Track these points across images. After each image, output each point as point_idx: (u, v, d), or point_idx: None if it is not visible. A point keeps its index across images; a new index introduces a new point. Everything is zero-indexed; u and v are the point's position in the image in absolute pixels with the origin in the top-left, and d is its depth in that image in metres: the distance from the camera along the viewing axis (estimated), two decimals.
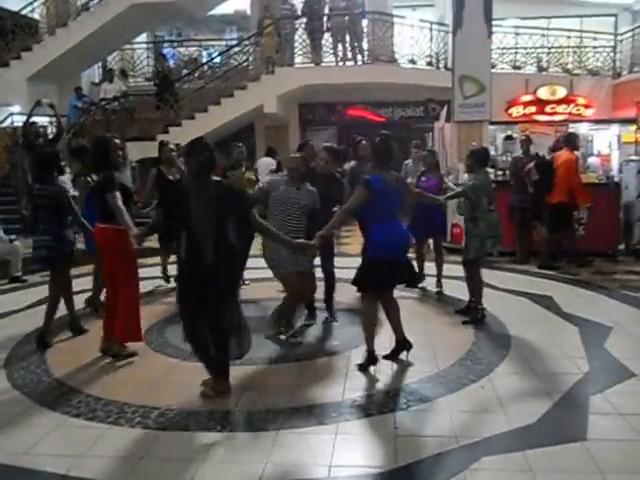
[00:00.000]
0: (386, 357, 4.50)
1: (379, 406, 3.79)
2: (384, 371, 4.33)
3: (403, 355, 4.54)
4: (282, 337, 5.09)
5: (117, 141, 4.94)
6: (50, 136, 10.35)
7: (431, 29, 14.17)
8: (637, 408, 3.67)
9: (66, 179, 10.67)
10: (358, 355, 4.52)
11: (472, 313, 5.50)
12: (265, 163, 11.06)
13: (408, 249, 4.61)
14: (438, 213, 6.70)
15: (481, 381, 4.12)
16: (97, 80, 16.12)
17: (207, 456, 3.19)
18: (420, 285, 6.65)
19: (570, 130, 14.34)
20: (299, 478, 3.01)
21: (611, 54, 15.41)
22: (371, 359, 4.38)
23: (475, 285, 5.57)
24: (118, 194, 4.52)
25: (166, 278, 7.09)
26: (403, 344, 4.54)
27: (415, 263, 6.45)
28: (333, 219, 4.55)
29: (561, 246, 8.25)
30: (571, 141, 8.32)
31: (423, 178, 6.75)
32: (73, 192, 10.01)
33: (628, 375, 4.18)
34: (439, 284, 6.67)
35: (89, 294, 6.13)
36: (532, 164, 8.26)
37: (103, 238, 4.70)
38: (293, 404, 3.80)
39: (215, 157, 3.81)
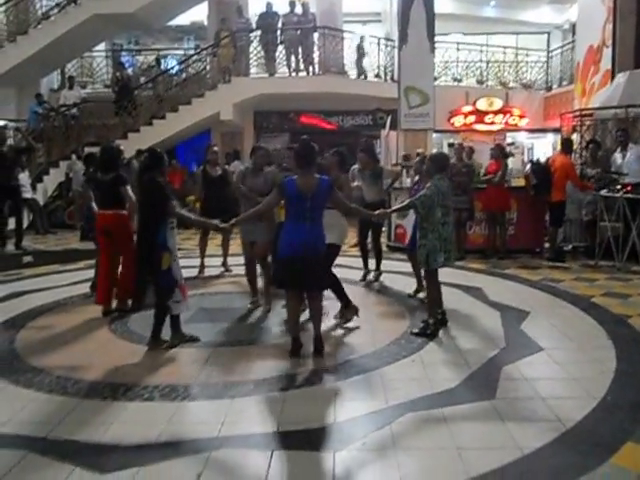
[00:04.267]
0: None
1: (321, 378, 4.27)
2: (328, 350, 4.76)
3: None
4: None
5: (122, 148, 6.61)
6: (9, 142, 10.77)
7: (378, 44, 14.75)
8: (541, 374, 4.27)
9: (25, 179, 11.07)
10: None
11: (423, 325, 5.29)
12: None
13: (315, 251, 4.54)
14: None
15: (412, 356, 4.65)
16: (56, 87, 16.23)
17: (117, 419, 3.64)
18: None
19: (508, 139, 15.38)
20: (191, 438, 3.41)
21: (543, 69, 16.41)
22: (294, 346, 4.67)
23: (428, 295, 5.51)
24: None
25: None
26: (319, 342, 4.72)
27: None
28: (249, 212, 5.12)
29: (494, 244, 8.98)
30: (566, 146, 8.96)
31: (415, 186, 6.61)
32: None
33: (537, 349, 4.78)
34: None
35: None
36: (529, 170, 8.85)
37: (115, 221, 5.94)
38: (240, 378, 4.29)
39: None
